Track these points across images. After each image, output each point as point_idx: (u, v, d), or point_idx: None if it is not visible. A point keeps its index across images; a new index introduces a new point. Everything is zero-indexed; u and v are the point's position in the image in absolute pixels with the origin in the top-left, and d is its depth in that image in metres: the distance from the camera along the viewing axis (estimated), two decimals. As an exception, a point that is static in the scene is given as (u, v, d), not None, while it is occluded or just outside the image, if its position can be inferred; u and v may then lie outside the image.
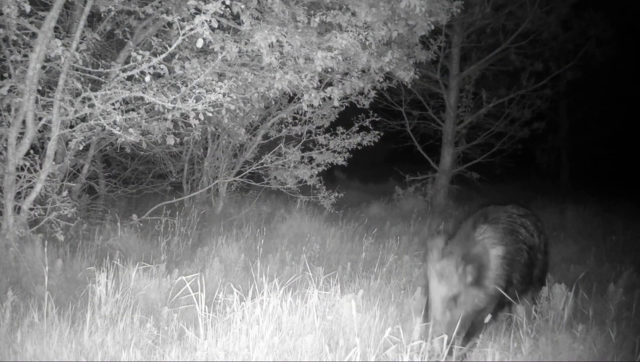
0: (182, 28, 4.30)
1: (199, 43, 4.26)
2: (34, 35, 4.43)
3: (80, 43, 4.56)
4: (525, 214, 3.90)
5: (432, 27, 5.85)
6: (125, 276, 3.88)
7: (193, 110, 4.75)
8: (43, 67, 4.43)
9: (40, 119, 4.60)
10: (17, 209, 4.54)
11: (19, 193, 4.58)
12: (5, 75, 4.55)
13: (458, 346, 3.10)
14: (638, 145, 14.28)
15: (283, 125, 7.85)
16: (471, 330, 3.23)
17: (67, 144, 5.06)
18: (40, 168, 4.58)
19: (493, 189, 12.39)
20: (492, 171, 11.67)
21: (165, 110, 4.87)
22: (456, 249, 3.20)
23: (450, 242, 3.31)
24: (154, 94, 4.74)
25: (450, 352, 2.94)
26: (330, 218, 7.30)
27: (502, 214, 3.70)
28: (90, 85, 4.81)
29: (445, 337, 2.98)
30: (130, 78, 4.79)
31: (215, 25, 4.28)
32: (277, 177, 7.75)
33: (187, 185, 7.95)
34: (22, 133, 4.49)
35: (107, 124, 4.62)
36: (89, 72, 4.86)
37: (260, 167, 7.76)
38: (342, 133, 7.73)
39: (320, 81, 6.52)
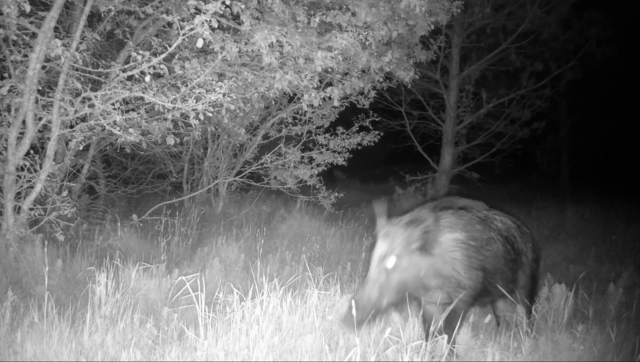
0: (182, 28, 4.30)
1: (199, 43, 4.26)
2: (34, 35, 4.43)
3: (80, 43, 4.56)
4: (513, 223, 3.63)
5: (432, 27, 5.85)
6: (125, 276, 3.88)
7: (193, 110, 4.75)
8: (43, 67, 4.43)
9: (40, 119, 4.59)
10: (17, 209, 4.54)
11: (19, 193, 4.58)
12: (5, 75, 4.55)
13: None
14: (638, 145, 14.28)
15: (283, 125, 7.85)
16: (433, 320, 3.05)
17: (67, 144, 5.06)
18: (40, 168, 4.57)
19: (493, 189, 12.39)
20: (492, 171, 11.67)
21: (165, 110, 4.86)
22: (406, 217, 2.98)
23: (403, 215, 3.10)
24: (154, 94, 4.74)
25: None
26: (330, 218, 7.29)
27: (476, 205, 3.48)
28: (90, 85, 4.81)
29: (446, 337, 2.99)
30: (130, 78, 4.79)
31: (215, 25, 4.28)
32: (277, 177, 7.75)
33: (187, 185, 7.95)
34: (22, 133, 4.49)
35: (107, 124, 4.62)
36: (89, 72, 4.85)
37: (260, 167, 7.76)
38: (342, 133, 7.73)
39: (320, 81, 6.52)
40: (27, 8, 4.00)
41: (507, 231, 3.49)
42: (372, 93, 7.31)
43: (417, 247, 2.91)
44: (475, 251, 3.17)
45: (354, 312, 2.74)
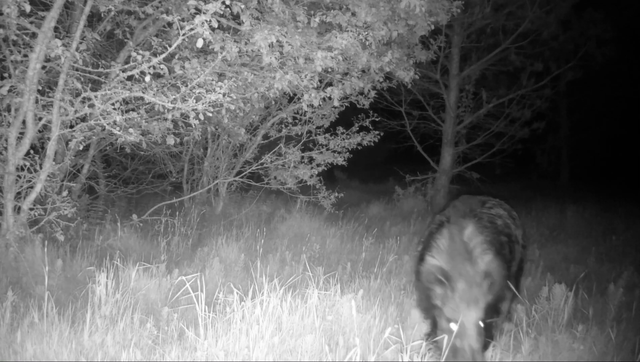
0: (182, 28, 4.30)
1: (199, 43, 4.26)
2: (34, 35, 4.43)
3: (80, 43, 4.56)
4: (504, 210, 3.75)
5: (432, 27, 5.85)
6: (125, 276, 3.88)
7: (193, 110, 4.75)
8: (43, 67, 4.43)
9: (40, 119, 4.59)
10: (17, 209, 4.54)
11: (19, 193, 4.58)
12: (5, 75, 4.55)
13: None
14: (638, 145, 14.28)
15: (283, 125, 7.86)
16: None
17: (67, 144, 5.06)
18: (40, 168, 4.57)
19: (493, 189, 12.39)
20: (492, 171, 11.67)
21: (165, 110, 4.87)
22: (464, 268, 2.99)
23: (449, 258, 3.10)
24: (154, 94, 4.74)
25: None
26: (330, 218, 7.29)
27: (475, 206, 3.55)
28: (90, 85, 4.81)
29: (446, 337, 2.98)
30: (130, 78, 4.79)
31: (215, 25, 4.28)
32: (277, 177, 7.75)
33: (187, 185, 7.95)
34: (22, 133, 4.49)
35: (107, 124, 4.62)
36: (89, 72, 4.85)
37: (260, 167, 7.76)
38: (342, 133, 7.73)
39: (320, 81, 6.51)
40: (27, 8, 4.00)
41: (505, 226, 3.54)
42: (372, 93, 7.31)
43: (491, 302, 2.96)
44: (500, 264, 3.21)
45: None
